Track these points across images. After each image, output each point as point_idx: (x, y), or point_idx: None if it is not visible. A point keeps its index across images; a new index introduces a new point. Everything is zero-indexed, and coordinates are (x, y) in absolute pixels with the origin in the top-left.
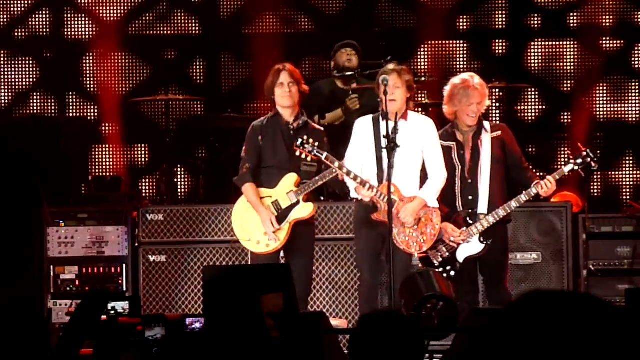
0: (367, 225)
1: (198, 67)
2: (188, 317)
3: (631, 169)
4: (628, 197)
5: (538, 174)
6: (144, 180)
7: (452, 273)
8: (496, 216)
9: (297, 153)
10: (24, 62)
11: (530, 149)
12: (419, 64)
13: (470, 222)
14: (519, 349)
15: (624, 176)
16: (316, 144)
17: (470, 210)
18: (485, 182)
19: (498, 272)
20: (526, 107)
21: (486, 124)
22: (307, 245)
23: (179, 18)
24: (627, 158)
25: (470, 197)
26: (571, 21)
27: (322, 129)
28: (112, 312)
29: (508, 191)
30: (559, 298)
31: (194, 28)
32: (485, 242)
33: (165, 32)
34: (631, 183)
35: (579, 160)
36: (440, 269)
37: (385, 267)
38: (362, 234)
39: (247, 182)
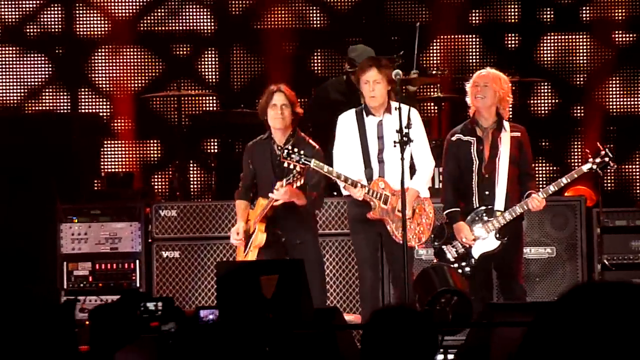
0: (363, 223)
1: (210, 62)
2: (202, 310)
3: None
4: None
5: (551, 168)
6: (156, 176)
7: (467, 269)
8: (513, 213)
9: (285, 164)
10: (36, 58)
11: (544, 143)
12: (431, 58)
13: (486, 218)
14: (575, 342)
15: (637, 170)
16: (302, 152)
17: (486, 207)
18: (503, 179)
19: (512, 267)
20: (539, 102)
21: (506, 124)
22: (311, 253)
23: (191, 14)
24: None
25: (487, 193)
26: (583, 15)
27: (317, 146)
28: (144, 312)
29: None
30: (609, 289)
31: (206, 24)
32: (501, 239)
33: (177, 28)
34: None
35: (598, 160)
36: (455, 265)
37: (389, 262)
38: (359, 233)
39: (236, 199)
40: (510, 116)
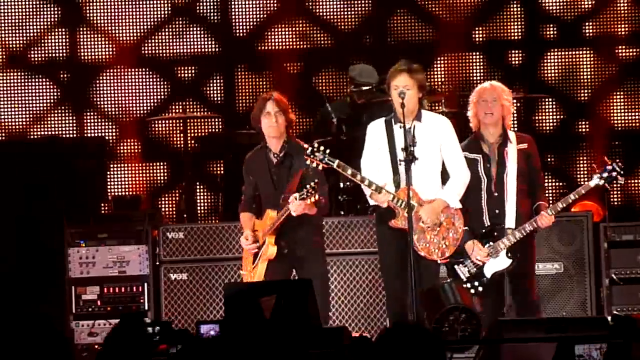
0: (389, 233)
1: (215, 84)
2: (203, 324)
3: None
4: None
5: (557, 184)
6: (163, 199)
7: (480, 289)
8: (523, 232)
9: (308, 162)
10: (41, 83)
11: (549, 159)
12: (436, 76)
13: (497, 236)
14: None
15: None
16: (327, 151)
17: (497, 225)
18: (512, 196)
19: (526, 283)
20: (543, 117)
21: (511, 135)
22: (316, 267)
23: (195, 36)
24: None
25: (497, 211)
26: (586, 31)
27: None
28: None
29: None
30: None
31: (210, 45)
32: (512, 258)
33: (182, 50)
34: None
35: (605, 174)
36: (468, 285)
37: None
38: (385, 243)
39: (240, 211)
40: (515, 128)
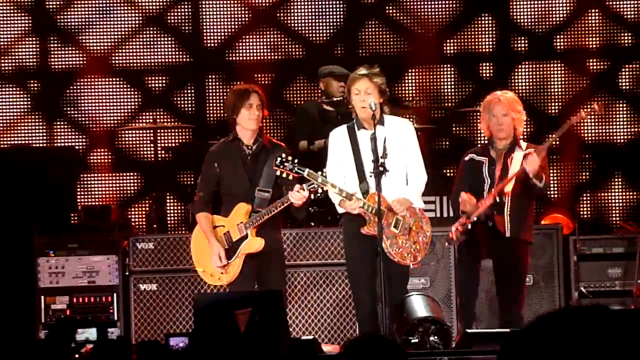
0: (358, 240)
1: (186, 94)
2: (172, 337)
3: (620, 190)
4: (617, 219)
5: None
6: (133, 209)
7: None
8: (508, 182)
9: (278, 172)
10: (11, 92)
11: None
12: (406, 88)
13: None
14: None
15: (613, 197)
16: (296, 160)
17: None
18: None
19: (511, 292)
20: None
21: (523, 143)
22: (277, 275)
23: (166, 46)
24: (616, 179)
25: (495, 213)
26: (557, 43)
27: (283, 144)
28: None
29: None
30: (570, 315)
31: (181, 55)
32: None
33: (153, 60)
34: (620, 204)
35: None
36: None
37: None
38: (353, 250)
39: (199, 211)
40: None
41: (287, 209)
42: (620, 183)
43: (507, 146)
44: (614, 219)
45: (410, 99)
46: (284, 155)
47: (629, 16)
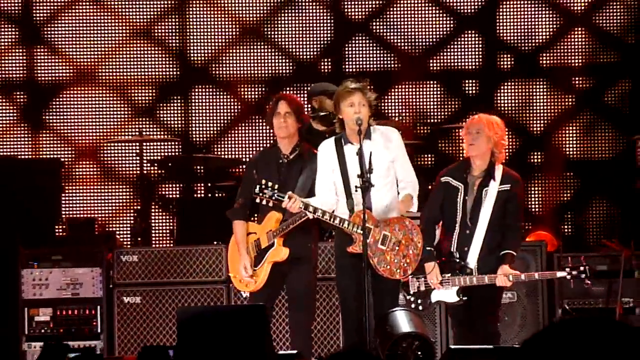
0: (347, 260)
1: (173, 108)
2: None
3: (603, 207)
4: (601, 236)
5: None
6: (118, 221)
7: (420, 308)
8: (480, 282)
9: (257, 200)
10: None
11: None
12: (392, 105)
13: (457, 272)
14: None
15: (596, 215)
16: (276, 186)
17: (460, 261)
18: (479, 237)
19: (487, 306)
20: None
21: (498, 173)
22: (304, 284)
23: (154, 59)
24: (599, 197)
25: (465, 249)
26: (542, 61)
27: None
28: None
29: None
30: (585, 325)
31: (169, 68)
32: (461, 298)
33: (140, 73)
34: (604, 222)
35: (574, 272)
36: (412, 299)
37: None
38: (343, 264)
39: (236, 218)
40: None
41: (315, 223)
42: (603, 201)
43: (483, 174)
44: (596, 236)
45: (396, 114)
46: (263, 182)
47: (614, 34)
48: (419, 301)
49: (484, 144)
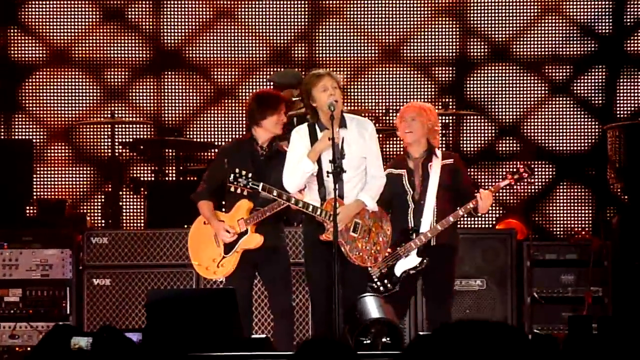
0: (317, 247)
1: (145, 90)
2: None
3: (576, 197)
4: (572, 225)
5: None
6: (89, 203)
7: (390, 286)
8: (434, 230)
9: (232, 189)
10: None
11: (474, 177)
12: (365, 92)
13: (411, 238)
14: None
15: (568, 204)
16: (250, 175)
17: (415, 227)
18: (430, 205)
19: (440, 293)
20: (470, 135)
21: (438, 152)
22: (281, 272)
23: (126, 41)
24: (573, 186)
25: (420, 219)
26: (515, 49)
27: None
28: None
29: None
30: (474, 328)
31: (141, 51)
32: (421, 257)
33: (112, 55)
34: (575, 211)
35: (516, 176)
36: (379, 283)
37: (342, 283)
38: (312, 257)
39: (202, 199)
40: (442, 147)
41: (284, 212)
42: (575, 190)
43: (424, 154)
44: (567, 226)
45: (369, 102)
46: (237, 171)
47: (587, 23)
48: (386, 281)
49: (419, 130)
